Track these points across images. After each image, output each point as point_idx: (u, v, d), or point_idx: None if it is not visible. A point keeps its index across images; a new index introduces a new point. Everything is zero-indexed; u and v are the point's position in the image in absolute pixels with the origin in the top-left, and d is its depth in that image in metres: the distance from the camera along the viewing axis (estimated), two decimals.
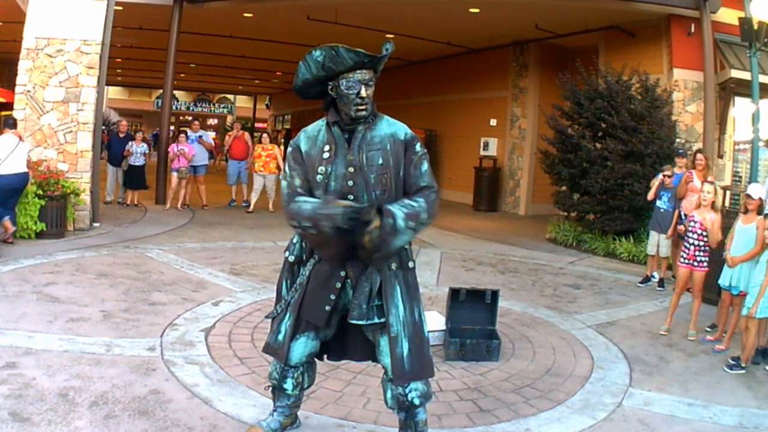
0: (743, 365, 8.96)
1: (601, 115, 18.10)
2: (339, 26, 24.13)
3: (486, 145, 27.86)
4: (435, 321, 9.62)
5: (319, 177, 5.49)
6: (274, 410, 6.36)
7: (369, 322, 5.61)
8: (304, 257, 5.86)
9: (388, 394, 5.80)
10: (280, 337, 5.91)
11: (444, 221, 22.07)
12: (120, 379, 7.57)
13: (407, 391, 5.69)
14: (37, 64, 16.33)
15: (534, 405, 7.58)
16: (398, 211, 5.24)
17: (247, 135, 24.59)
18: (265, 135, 23.14)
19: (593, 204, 18.53)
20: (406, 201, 5.40)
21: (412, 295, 5.71)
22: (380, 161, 5.45)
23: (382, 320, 5.58)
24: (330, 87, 5.48)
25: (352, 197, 5.40)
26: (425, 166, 5.57)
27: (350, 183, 5.44)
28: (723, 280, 10.12)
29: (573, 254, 17.66)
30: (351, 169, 5.43)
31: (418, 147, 5.60)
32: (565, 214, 20.68)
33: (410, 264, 5.74)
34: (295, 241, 5.94)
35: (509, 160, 27.07)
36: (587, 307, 12.13)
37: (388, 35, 25.48)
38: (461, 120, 29.77)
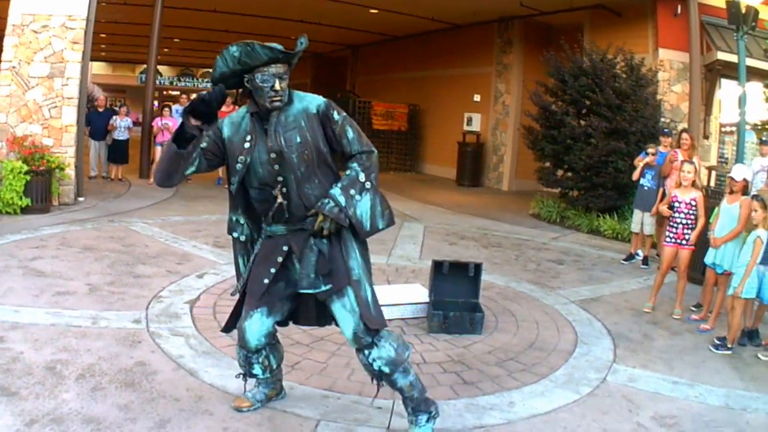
0: (729, 346, 9.01)
1: (585, 92, 18.14)
2: (323, 1, 24.19)
3: (470, 121, 27.86)
4: (418, 293, 9.73)
5: (238, 165, 5.69)
6: (258, 383, 6.51)
7: (318, 290, 5.75)
8: (255, 235, 6.09)
9: (362, 365, 5.95)
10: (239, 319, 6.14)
11: (427, 195, 22.26)
12: (106, 351, 7.64)
13: (371, 362, 5.81)
14: (22, 40, 16.29)
15: (518, 378, 7.66)
16: (334, 189, 5.54)
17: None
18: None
19: (577, 181, 18.60)
20: (344, 174, 5.63)
21: (365, 253, 5.94)
22: (298, 139, 5.60)
23: (328, 287, 5.72)
24: (246, 80, 5.59)
25: (281, 178, 5.63)
26: (350, 132, 5.69)
27: (276, 167, 5.62)
28: (707, 259, 10.19)
29: (556, 230, 17.72)
30: (273, 155, 5.61)
31: (335, 115, 5.70)
32: (549, 190, 20.71)
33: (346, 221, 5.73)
34: (241, 221, 6.08)
35: (492, 136, 27.09)
36: (570, 282, 12.21)
37: (372, 10, 25.67)
38: (445, 95, 29.77)
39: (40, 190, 15.42)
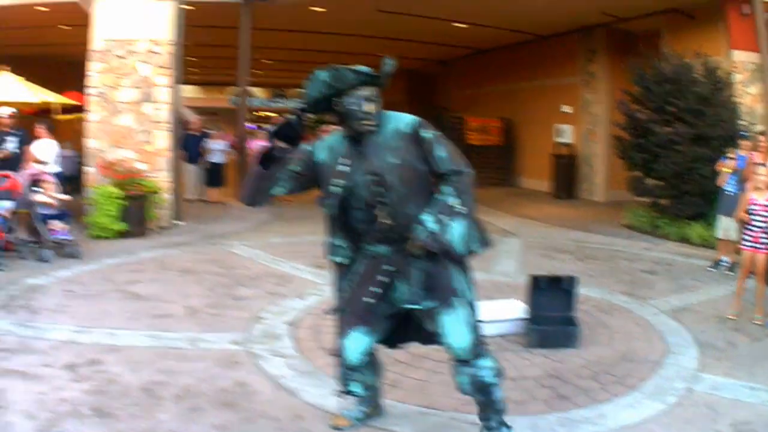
0: None
1: (669, 98, 17.77)
2: (408, 17, 23.98)
3: (561, 132, 27.53)
4: (515, 309, 9.60)
5: (334, 188, 5.63)
6: (358, 401, 6.42)
7: (420, 306, 5.72)
8: (355, 257, 5.99)
9: (463, 379, 5.86)
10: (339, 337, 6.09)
11: (523, 209, 22.05)
12: (205, 372, 7.60)
13: (480, 372, 5.78)
14: (107, 66, 16.41)
15: (609, 390, 7.53)
16: (426, 216, 5.45)
17: None
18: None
19: (665, 189, 18.27)
20: (437, 199, 5.55)
21: (465, 272, 5.86)
22: (395, 160, 5.54)
23: (434, 304, 5.67)
24: (335, 104, 5.58)
25: (382, 199, 5.56)
26: (441, 150, 5.57)
27: (376, 189, 5.56)
28: None
29: (648, 240, 17.39)
30: (372, 177, 5.55)
31: (426, 134, 5.60)
32: (640, 199, 20.35)
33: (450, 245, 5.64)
34: (342, 245, 5.99)
35: (584, 147, 26.70)
36: (661, 292, 11.95)
37: (456, 24, 25.47)
38: (535, 107, 29.39)
39: (135, 214, 15.42)
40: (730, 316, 10.29)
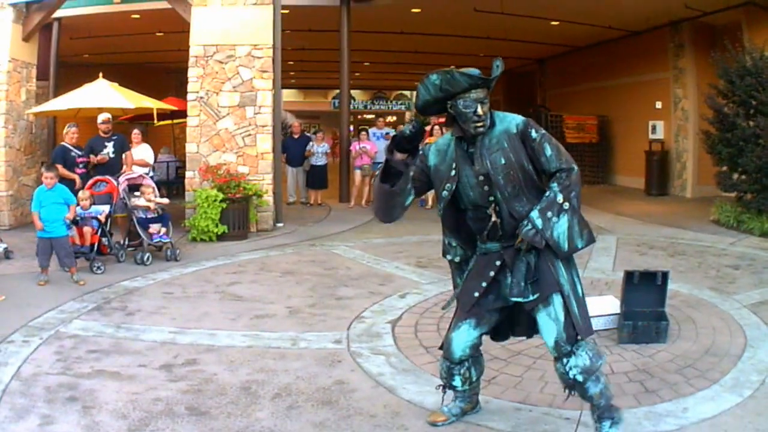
0: None
1: (751, 92, 17.64)
2: (504, 16, 23.93)
3: (654, 128, 27.38)
4: (611, 305, 9.68)
5: (444, 192, 5.84)
6: (456, 397, 6.43)
7: (526, 299, 5.75)
8: (469, 254, 6.15)
9: (557, 373, 5.93)
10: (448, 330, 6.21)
11: (618, 207, 22.13)
12: (305, 371, 7.56)
13: (567, 370, 5.79)
14: (207, 71, 16.57)
15: (693, 384, 7.48)
16: (533, 212, 5.57)
17: None
18: (436, 127, 22.81)
19: (750, 183, 18.11)
20: (544, 195, 5.66)
21: (570, 267, 5.90)
22: (503, 161, 5.63)
23: (536, 296, 5.73)
24: (449, 106, 5.69)
25: (492, 198, 5.70)
26: (548, 149, 5.65)
27: (486, 188, 5.69)
28: None
29: (733, 235, 17.23)
30: (481, 177, 5.68)
31: (533, 133, 5.68)
32: (727, 194, 20.17)
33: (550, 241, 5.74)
34: (454, 244, 6.17)
35: (675, 143, 26.55)
36: (744, 287, 11.84)
37: (553, 22, 25.56)
38: (628, 104, 29.33)
39: (236, 217, 15.52)
40: None
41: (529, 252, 5.67)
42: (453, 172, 5.75)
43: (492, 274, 5.83)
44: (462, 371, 6.13)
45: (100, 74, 16.77)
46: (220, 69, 16.47)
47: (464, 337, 5.96)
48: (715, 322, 9.73)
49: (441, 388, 6.34)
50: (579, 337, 5.80)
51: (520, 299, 5.72)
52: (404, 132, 5.67)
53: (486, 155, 5.62)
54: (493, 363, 7.67)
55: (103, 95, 16.23)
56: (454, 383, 6.17)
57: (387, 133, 22.89)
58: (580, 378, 5.76)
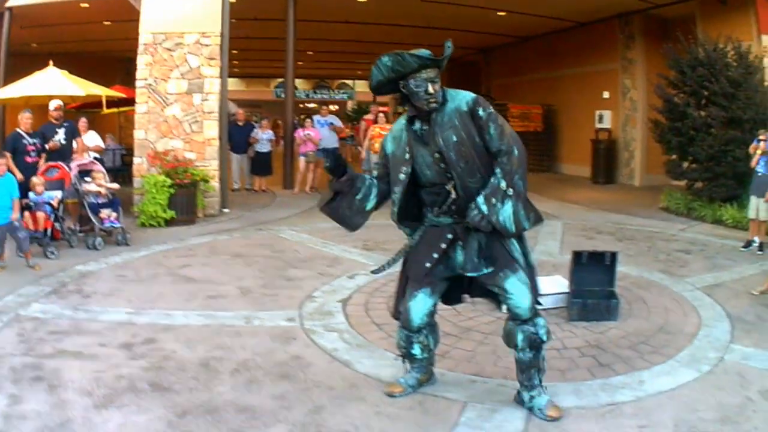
0: None
1: (703, 82, 17.97)
2: (451, 5, 24.13)
3: (600, 118, 27.58)
4: (559, 285, 9.86)
5: (401, 176, 6.07)
6: (412, 368, 6.67)
7: (479, 273, 6.06)
8: (409, 232, 6.42)
9: (520, 337, 6.16)
10: (403, 299, 6.40)
11: (564, 194, 22.30)
12: (261, 347, 7.76)
13: (538, 330, 6.11)
14: (156, 59, 16.64)
15: (647, 359, 7.75)
16: (479, 197, 5.79)
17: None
18: (381, 115, 23.16)
19: (700, 171, 18.42)
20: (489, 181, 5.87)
21: (523, 245, 6.23)
22: (454, 138, 5.84)
23: (490, 270, 6.04)
24: (401, 86, 5.89)
25: (450, 175, 5.92)
26: (492, 128, 5.84)
27: (442, 165, 5.92)
28: None
29: (684, 222, 17.58)
30: (437, 155, 5.91)
31: (480, 112, 5.87)
32: (676, 183, 20.53)
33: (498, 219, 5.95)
34: (407, 228, 6.43)
35: (623, 132, 26.79)
36: (696, 270, 12.14)
37: (499, 12, 25.68)
38: (575, 94, 29.53)
39: (184, 202, 15.60)
40: (754, 292, 10.45)
41: (478, 231, 5.92)
42: (407, 156, 5.97)
43: (443, 246, 6.07)
44: (420, 339, 6.36)
45: (50, 62, 16.80)
46: (168, 56, 16.55)
47: (421, 305, 6.17)
48: (667, 302, 9.99)
49: (400, 358, 6.57)
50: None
51: (474, 274, 6.04)
52: (327, 166, 6.09)
53: (439, 133, 5.81)
54: (445, 339, 7.84)
55: (54, 83, 16.25)
56: (413, 351, 6.40)
57: (331, 123, 23.06)
58: (545, 337, 6.14)
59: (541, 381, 6.32)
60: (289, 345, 7.85)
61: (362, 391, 6.60)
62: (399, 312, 6.49)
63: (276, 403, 6.25)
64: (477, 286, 6.41)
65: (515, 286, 6.00)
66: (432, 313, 6.34)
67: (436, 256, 6.08)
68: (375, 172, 6.43)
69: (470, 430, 5.90)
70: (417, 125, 5.99)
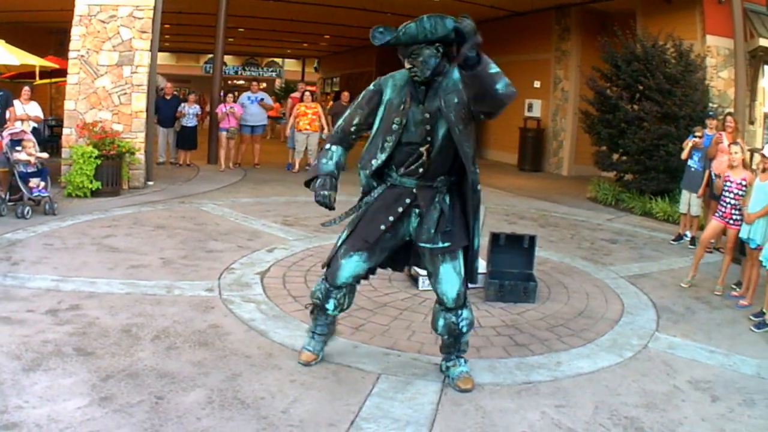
0: (767, 322, 8.95)
1: (638, 77, 18.30)
2: None
3: (530, 107, 27.78)
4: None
5: (394, 126, 6.13)
6: (314, 333, 6.92)
7: (434, 245, 6.23)
8: (374, 184, 6.45)
9: (440, 322, 6.45)
10: (338, 253, 6.45)
11: (488, 179, 22.06)
12: (180, 316, 7.98)
13: (459, 321, 6.39)
14: (90, 30, 16.60)
15: (566, 342, 7.99)
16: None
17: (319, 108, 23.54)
18: (307, 93, 23.16)
19: (631, 164, 18.74)
20: None
21: (476, 216, 6.43)
22: (456, 100, 5.97)
23: (446, 244, 6.22)
24: (413, 49, 6.03)
25: (429, 138, 6.08)
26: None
27: (427, 128, 6.08)
28: (741, 234, 10.20)
29: (611, 212, 17.82)
30: (427, 115, 6.06)
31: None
32: (605, 174, 20.86)
33: (478, 187, 6.34)
34: (373, 182, 6.47)
35: (553, 122, 27.02)
36: (622, 260, 12.38)
37: None
38: None
39: (110, 174, 15.68)
40: (683, 284, 10.74)
41: (443, 198, 6.23)
42: (403, 107, 6.09)
43: (400, 210, 6.21)
44: (338, 296, 6.51)
45: None
46: (102, 28, 16.55)
47: (353, 266, 6.34)
48: (589, 288, 10.29)
49: (312, 308, 6.76)
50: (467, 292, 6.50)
51: (427, 245, 6.23)
52: (318, 200, 6.30)
53: (441, 95, 5.99)
54: (361, 312, 8.25)
55: None
56: (327, 306, 6.54)
57: (261, 99, 23.04)
58: (465, 329, 6.45)
59: (459, 356, 6.62)
60: (208, 314, 8.08)
61: (278, 360, 6.84)
62: (328, 264, 6.58)
63: (195, 369, 6.46)
64: (413, 257, 6.68)
65: (448, 274, 6.26)
66: (359, 278, 6.51)
67: (391, 219, 6.20)
68: (356, 122, 6.44)
69: (383, 401, 6.11)
70: (418, 84, 6.12)
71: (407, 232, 6.36)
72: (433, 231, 6.17)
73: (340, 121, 6.60)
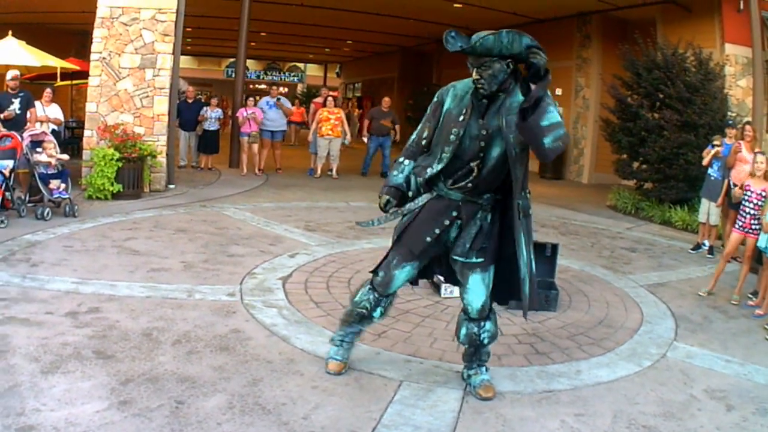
0: None
1: (658, 85, 18.20)
2: None
3: None
4: None
5: (452, 137, 6.02)
6: (343, 341, 6.84)
7: (468, 260, 6.20)
8: (421, 190, 6.39)
9: (463, 331, 6.44)
10: (390, 264, 6.45)
11: None
12: (202, 320, 7.93)
13: (481, 332, 6.40)
14: (111, 33, 16.60)
15: (586, 351, 7.94)
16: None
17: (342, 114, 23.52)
18: (330, 98, 23.12)
19: (651, 172, 18.66)
20: None
21: (529, 240, 6.18)
22: (515, 123, 5.76)
23: (479, 260, 6.19)
24: (503, 60, 5.94)
25: (482, 154, 5.98)
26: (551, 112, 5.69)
27: (482, 144, 5.97)
28: (760, 243, 10.07)
29: (631, 221, 17.80)
30: (483, 132, 5.95)
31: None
32: (625, 182, 20.77)
33: (530, 212, 6.19)
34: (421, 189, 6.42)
35: (573, 129, 26.92)
36: (641, 268, 12.32)
37: (456, 5, 25.69)
38: None
39: (131, 176, 15.68)
40: (700, 293, 10.70)
41: (485, 215, 6.16)
42: (462, 118, 6.00)
43: (447, 223, 6.18)
44: (385, 304, 6.57)
45: (10, 32, 16.87)
46: (124, 31, 16.54)
47: (405, 277, 6.39)
48: (609, 297, 10.23)
49: (358, 317, 6.67)
50: (492, 306, 6.48)
51: (461, 258, 6.20)
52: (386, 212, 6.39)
53: (503, 113, 5.86)
54: (383, 320, 8.16)
55: (11, 52, 16.37)
56: (374, 314, 6.57)
57: (278, 99, 22.96)
58: (486, 341, 6.44)
59: (480, 365, 6.59)
60: (229, 319, 8.03)
61: (299, 366, 6.79)
62: (376, 272, 6.58)
63: (215, 374, 6.41)
64: (449, 269, 6.60)
65: (476, 285, 6.23)
66: (408, 281, 6.60)
67: (437, 231, 6.20)
68: (425, 135, 6.38)
69: (405, 408, 6.07)
70: (480, 97, 6.03)
71: (447, 242, 6.32)
72: (468, 246, 6.15)
73: (413, 135, 6.55)
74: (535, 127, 5.47)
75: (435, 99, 6.37)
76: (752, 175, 10.78)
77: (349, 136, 23.07)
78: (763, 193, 10.39)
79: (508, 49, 5.76)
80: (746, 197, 10.57)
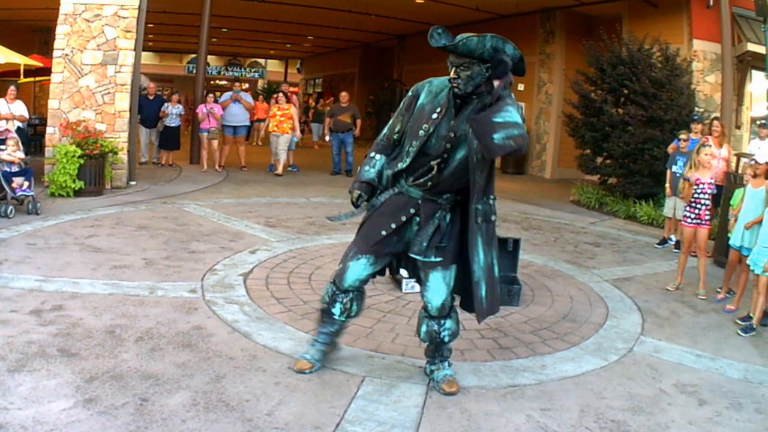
0: (754, 326, 8.98)
1: (623, 81, 18.35)
2: None
3: None
4: None
5: (421, 132, 6.05)
6: (316, 341, 6.86)
7: (425, 259, 6.21)
8: (387, 185, 6.46)
9: (423, 329, 6.50)
10: (347, 255, 6.51)
11: None
12: (164, 317, 7.96)
13: (441, 330, 6.45)
14: (74, 29, 16.58)
15: (550, 345, 8.02)
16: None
17: (293, 110, 23.30)
18: (280, 94, 23.15)
19: (615, 168, 18.81)
20: None
21: (490, 244, 6.22)
22: None
23: (438, 259, 6.21)
24: (463, 62, 5.99)
25: (446, 155, 6.00)
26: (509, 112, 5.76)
27: (447, 146, 5.99)
28: (733, 241, 10.18)
29: (595, 216, 17.90)
30: (452, 134, 5.96)
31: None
32: (589, 177, 20.92)
33: (492, 218, 6.27)
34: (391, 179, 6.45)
35: (536, 125, 27.07)
36: (606, 263, 12.44)
37: (418, 0, 25.61)
38: None
39: (93, 173, 15.68)
40: (669, 288, 10.81)
41: (444, 215, 6.19)
42: (435, 115, 6.01)
43: (404, 219, 6.22)
44: (345, 301, 6.53)
45: None
46: (87, 27, 16.52)
47: (360, 270, 6.37)
48: (573, 291, 10.32)
49: (320, 313, 6.77)
50: (454, 304, 6.53)
51: (419, 257, 6.21)
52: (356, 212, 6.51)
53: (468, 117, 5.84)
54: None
55: None
56: (333, 310, 6.57)
57: (236, 93, 22.89)
58: (447, 339, 6.49)
59: (443, 361, 6.65)
60: (191, 315, 8.07)
61: (262, 362, 6.84)
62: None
63: (179, 371, 6.45)
64: (411, 264, 6.59)
65: (437, 283, 6.27)
66: (365, 281, 6.53)
67: (393, 226, 6.24)
68: (397, 129, 6.44)
69: (368, 404, 6.13)
70: (458, 99, 6.05)
71: (408, 239, 6.36)
72: (425, 245, 6.15)
73: (384, 130, 6.60)
74: (486, 122, 5.55)
75: (410, 93, 6.41)
76: (695, 166, 10.93)
77: (298, 132, 23.14)
78: (712, 181, 10.57)
79: (490, 54, 5.85)
80: (699, 189, 10.71)
